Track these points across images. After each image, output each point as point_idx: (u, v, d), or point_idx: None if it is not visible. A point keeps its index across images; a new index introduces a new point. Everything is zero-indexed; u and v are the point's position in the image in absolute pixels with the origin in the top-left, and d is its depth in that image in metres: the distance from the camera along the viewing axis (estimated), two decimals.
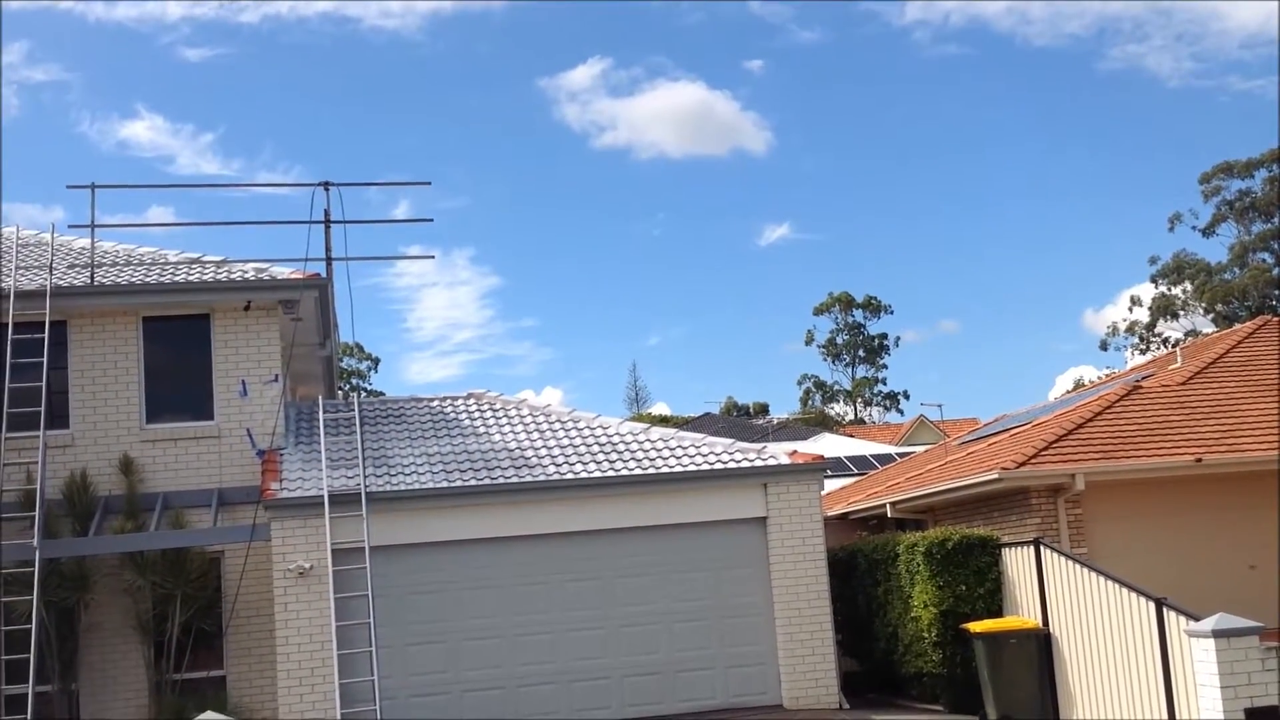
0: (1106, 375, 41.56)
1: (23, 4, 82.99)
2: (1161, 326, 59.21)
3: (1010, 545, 15.14)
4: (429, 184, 23.37)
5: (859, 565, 17.47)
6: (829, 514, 19.21)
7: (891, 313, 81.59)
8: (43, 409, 15.65)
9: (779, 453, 17.08)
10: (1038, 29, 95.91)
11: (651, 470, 16.36)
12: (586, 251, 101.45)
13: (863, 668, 18.08)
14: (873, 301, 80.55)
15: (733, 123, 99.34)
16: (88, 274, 16.86)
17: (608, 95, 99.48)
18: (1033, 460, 15.98)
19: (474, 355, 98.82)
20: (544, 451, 16.88)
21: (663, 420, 56.89)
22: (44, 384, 15.75)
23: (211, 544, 15.93)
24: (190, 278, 16.98)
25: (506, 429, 17.73)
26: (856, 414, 79.40)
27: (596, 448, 17.03)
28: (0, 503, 15.15)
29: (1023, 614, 14.65)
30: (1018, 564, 14.84)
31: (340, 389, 27.56)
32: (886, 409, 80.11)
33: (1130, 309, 61.11)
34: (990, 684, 14.21)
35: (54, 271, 16.66)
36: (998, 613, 14.97)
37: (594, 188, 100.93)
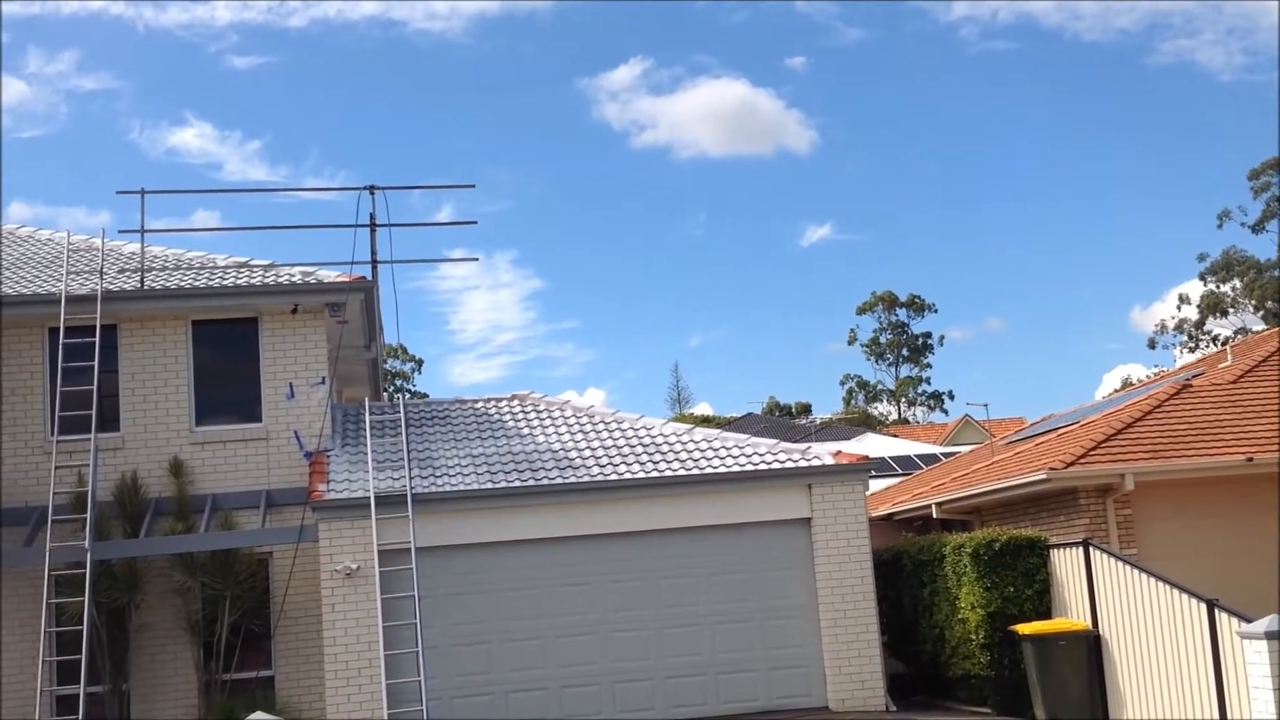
0: (1155, 374, 41.13)
1: (73, 13, 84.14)
2: (1211, 324, 58.61)
3: (1059, 546, 15.02)
4: (473, 186, 23.66)
5: (905, 566, 17.38)
6: (873, 514, 19.12)
7: (936, 312, 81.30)
8: (94, 412, 15.84)
9: (823, 453, 17.03)
10: (1087, 24, 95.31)
11: (695, 471, 16.35)
12: (627, 252, 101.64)
13: (909, 670, 17.98)
14: (916, 300, 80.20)
15: (776, 121, 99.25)
16: (138, 278, 17.06)
17: (649, 94, 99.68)
18: (1081, 460, 15.84)
19: (516, 357, 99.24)
20: (588, 453, 16.91)
21: (705, 421, 56.85)
22: (95, 387, 15.95)
23: (260, 545, 16.07)
24: (238, 282, 17.14)
25: (550, 430, 17.77)
26: (900, 414, 79.06)
27: (640, 449, 17.04)
28: (52, 505, 15.35)
29: (1071, 615, 14.53)
30: (1066, 565, 14.72)
31: (385, 391, 27.72)
32: (930, 409, 79.80)
33: (1179, 307, 60.56)
34: (1039, 686, 14.10)
35: (104, 276, 16.87)
36: (1046, 614, 14.86)
37: (635, 188, 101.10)
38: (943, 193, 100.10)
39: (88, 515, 15.20)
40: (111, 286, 16.69)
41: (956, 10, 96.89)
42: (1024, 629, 14.37)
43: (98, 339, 16.11)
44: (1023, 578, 15.03)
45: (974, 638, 15.28)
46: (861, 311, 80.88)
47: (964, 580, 15.43)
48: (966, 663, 15.70)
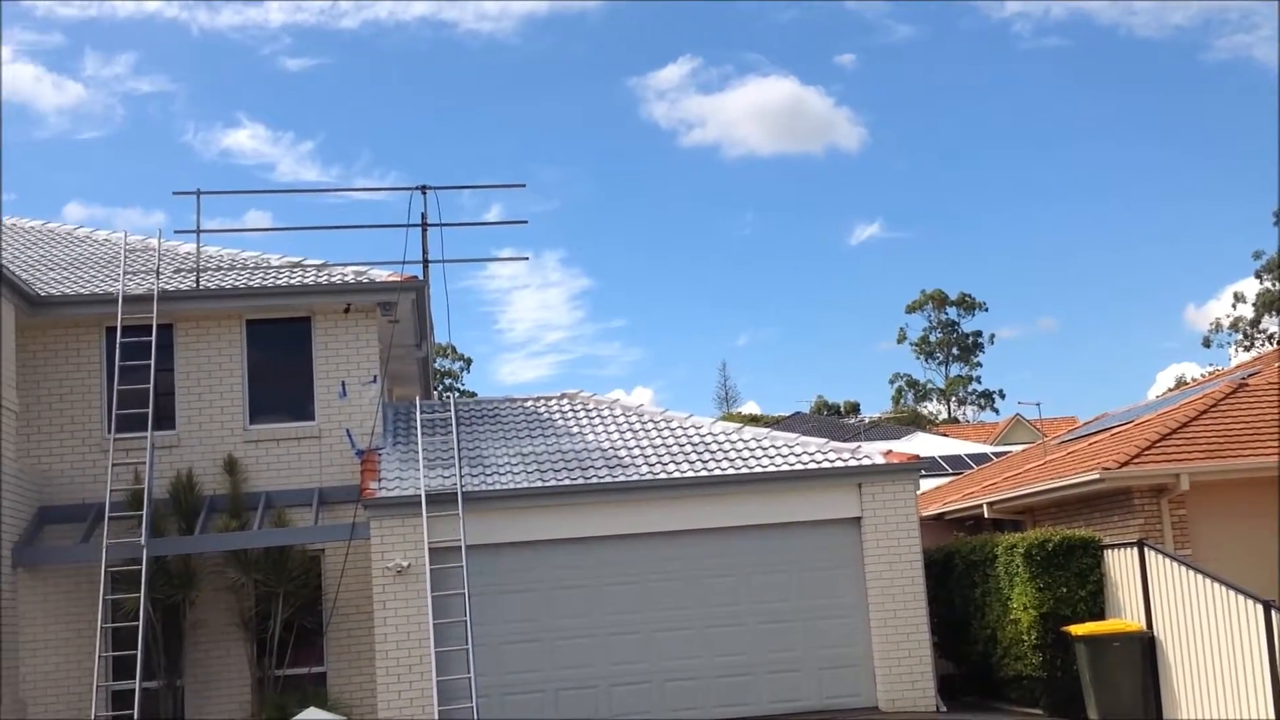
0: (1210, 373, 40.61)
1: (129, 15, 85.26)
2: (1266, 322, 57.73)
3: (1113, 547, 14.87)
4: (523, 186, 23.69)
5: (956, 566, 17.28)
6: (923, 514, 19.01)
7: (986, 310, 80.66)
8: (150, 410, 16.05)
9: (873, 452, 16.95)
10: (1142, 20, 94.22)
11: (745, 470, 16.33)
12: (675, 251, 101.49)
13: (960, 670, 17.87)
14: (967, 299, 79.61)
15: (825, 119, 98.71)
16: (193, 278, 17.26)
17: (697, 92, 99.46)
18: (1136, 460, 15.69)
19: (564, 356, 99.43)
20: (637, 451, 16.93)
21: (753, 420, 56.75)
22: (151, 386, 16.16)
23: (312, 542, 16.22)
24: (292, 281, 17.30)
25: (600, 429, 17.81)
26: (950, 413, 78.53)
27: (689, 447, 17.04)
28: (110, 502, 15.57)
29: (1125, 616, 14.39)
30: (1120, 566, 14.58)
31: (435, 390, 27.88)
32: (981, 408, 79.20)
33: (1234, 305, 59.69)
34: (1092, 687, 13.98)
35: (160, 276, 17.09)
36: (1099, 615, 14.72)
37: (683, 187, 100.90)
38: (993, 190, 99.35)
39: (144, 512, 15.41)
40: (167, 286, 16.90)
41: (1009, 7, 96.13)
42: (1077, 630, 14.26)
43: (154, 338, 16.32)
44: (1076, 578, 14.90)
45: (1026, 638, 15.17)
46: (911, 310, 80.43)
47: (1016, 581, 15.32)
48: (1018, 663, 15.59)
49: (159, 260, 17.58)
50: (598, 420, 18.17)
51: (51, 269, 18.01)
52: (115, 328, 16.36)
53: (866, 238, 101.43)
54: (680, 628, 15.93)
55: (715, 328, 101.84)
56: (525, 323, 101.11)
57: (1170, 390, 36.72)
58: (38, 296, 16.20)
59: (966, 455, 31.79)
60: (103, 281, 17.26)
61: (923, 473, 17.92)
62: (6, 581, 14.88)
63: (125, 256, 17.72)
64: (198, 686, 16.07)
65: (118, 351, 16.27)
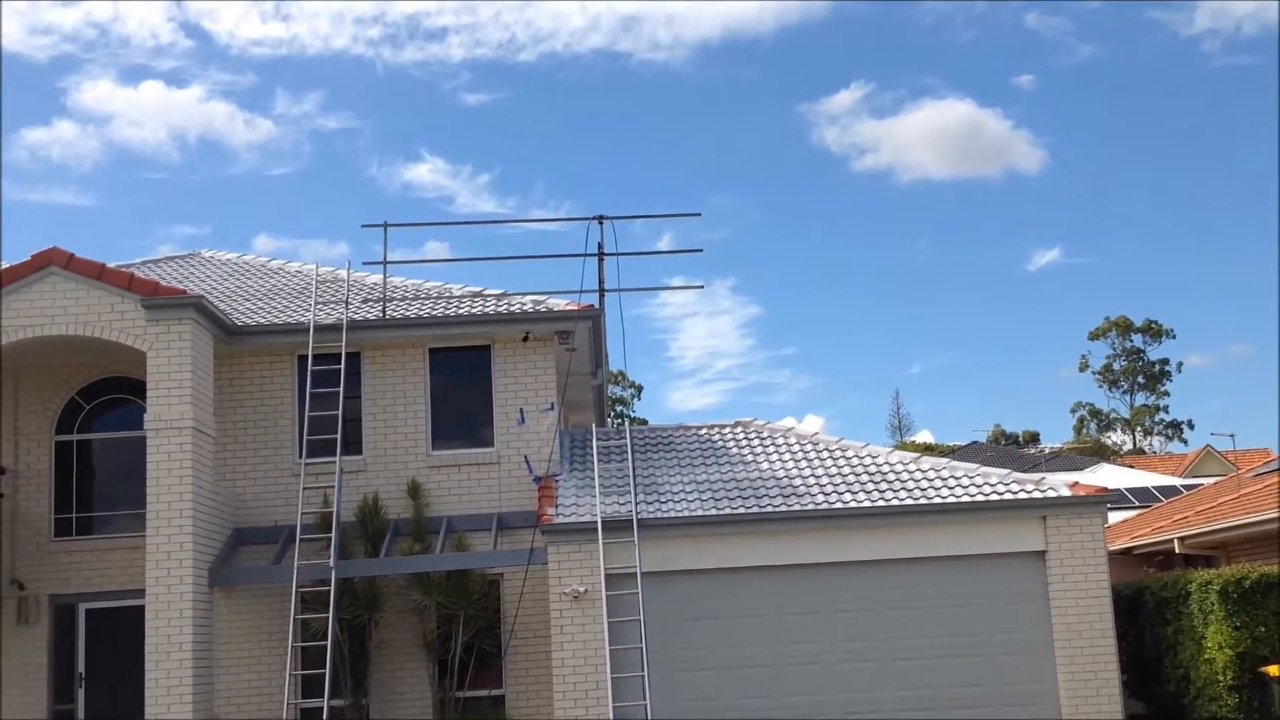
0: None
1: (317, 54, 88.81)
2: None
3: None
4: (699, 215, 23.49)
5: (1146, 603, 16.69)
6: (1110, 548, 18.41)
7: (1174, 337, 77.99)
8: (338, 436, 16.60)
9: (1058, 484, 16.46)
10: None
11: (923, 500, 16.05)
12: (847, 278, 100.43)
13: (1150, 711, 17.25)
14: (1153, 325, 77.02)
15: (1003, 141, 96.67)
16: (379, 308, 17.82)
17: (870, 117, 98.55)
18: None
19: (734, 383, 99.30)
20: (812, 480, 16.80)
21: (927, 449, 55.80)
22: (340, 412, 16.72)
23: (492, 567, 16.51)
24: (473, 311, 17.72)
25: (774, 457, 17.73)
26: (1135, 443, 75.90)
27: (865, 477, 16.83)
28: (300, 524, 16.14)
29: None
30: None
31: (609, 417, 28.16)
32: (1168, 438, 76.33)
33: None
34: None
35: (349, 306, 17.69)
36: None
37: (855, 212, 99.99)
38: (1181, 214, 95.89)
39: (333, 535, 15.92)
40: (355, 316, 17.48)
41: (1198, 23, 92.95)
42: (1276, 670, 13.62)
43: (343, 366, 16.88)
44: (1274, 617, 14.28)
45: (1221, 679, 14.56)
46: (1094, 337, 78.12)
47: (1211, 619, 14.73)
48: (1213, 704, 14.96)
49: (348, 291, 18.21)
50: (771, 449, 18.10)
51: (247, 299, 18.81)
52: (306, 356, 16.96)
53: (1046, 263, 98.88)
54: (862, 660, 15.68)
55: (888, 355, 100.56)
56: (696, 350, 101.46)
57: None
58: (234, 326, 16.93)
59: (1154, 488, 30.74)
60: (294, 311, 17.94)
61: (1109, 506, 17.34)
62: (204, 601, 15.51)
63: (316, 287, 18.39)
64: (382, 706, 16.48)
65: (309, 379, 16.87)
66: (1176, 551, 18.49)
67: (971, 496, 16.11)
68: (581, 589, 15.51)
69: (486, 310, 17.75)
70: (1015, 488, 16.29)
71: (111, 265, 15.97)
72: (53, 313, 15.54)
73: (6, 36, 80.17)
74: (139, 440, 15.67)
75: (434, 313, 17.68)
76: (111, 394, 17.49)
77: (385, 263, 18.54)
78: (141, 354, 15.53)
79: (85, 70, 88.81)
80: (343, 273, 19.46)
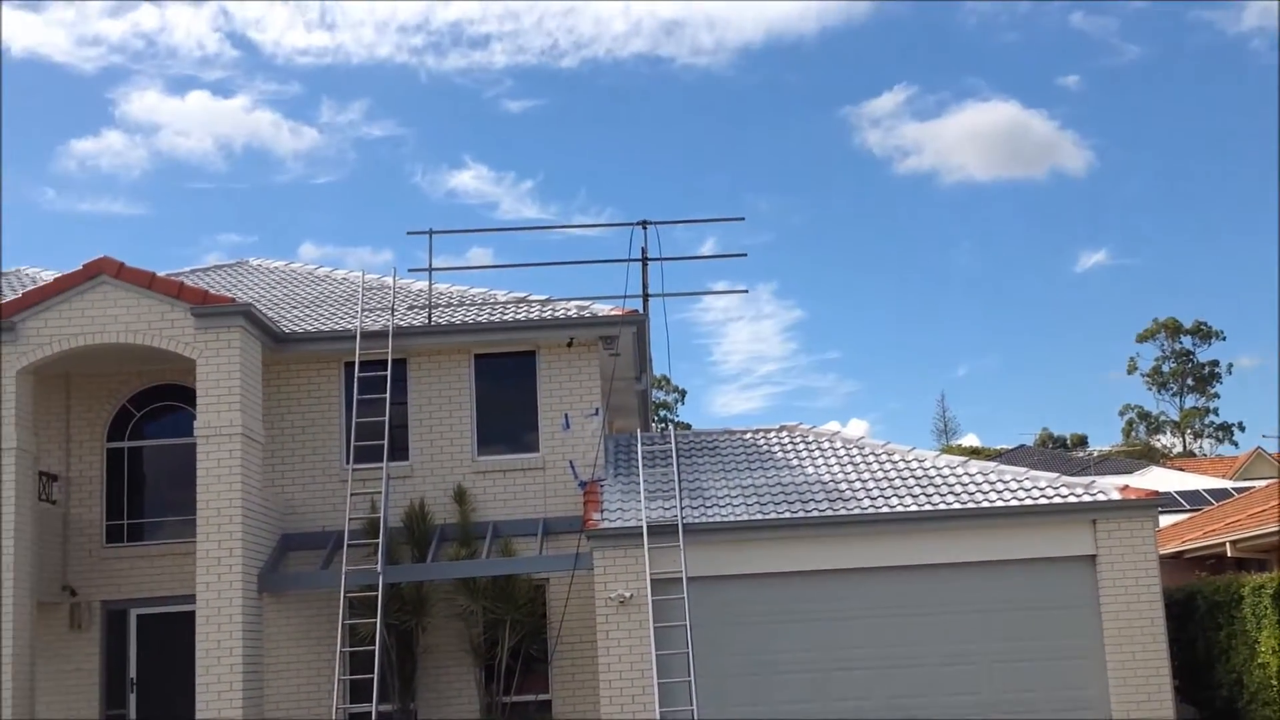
0: None
1: (361, 63, 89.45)
2: None
3: None
4: (742, 219, 23.62)
5: (1198, 607, 16.49)
6: (1161, 552, 18.21)
7: (1224, 339, 77.04)
8: (385, 442, 16.70)
9: (1108, 488, 16.29)
10: None
11: (971, 505, 15.93)
12: (890, 281, 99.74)
13: (1202, 715, 17.04)
14: (1202, 327, 76.12)
15: (1049, 143, 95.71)
16: (425, 315, 17.91)
17: (912, 119, 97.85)
18: None
19: (777, 388, 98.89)
20: (858, 485, 16.72)
21: (974, 453, 55.38)
22: (386, 418, 16.81)
23: (538, 572, 16.54)
24: (518, 317, 17.78)
25: (819, 462, 17.66)
26: (1185, 446, 75.04)
27: (912, 481, 16.73)
28: (348, 530, 16.24)
29: None
30: None
31: (653, 422, 28.17)
32: (1219, 441, 75.38)
33: None
34: None
35: (395, 313, 17.78)
36: None
37: (897, 215, 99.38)
38: (1229, 214, 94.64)
39: (380, 540, 16.01)
40: (401, 322, 17.58)
41: (1245, 22, 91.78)
42: None
43: (389, 372, 16.98)
44: None
45: (1275, 683, 14.39)
46: (1142, 339, 77.30)
47: (1264, 623, 14.54)
48: (1266, 710, 14.77)
49: (394, 298, 18.30)
50: (817, 453, 18.03)
51: (294, 307, 18.96)
52: (354, 363, 17.08)
53: (1092, 264, 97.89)
54: (911, 665, 15.58)
55: (933, 358, 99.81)
56: (739, 355, 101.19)
57: None
58: (282, 334, 17.06)
59: (1205, 491, 30.39)
60: (341, 319, 18.07)
61: (1160, 509, 17.16)
62: (254, 606, 15.62)
63: (363, 294, 18.51)
64: (429, 711, 16.55)
65: (356, 386, 16.98)
66: (1228, 555, 18.27)
67: (1020, 500, 15.99)
68: (627, 594, 15.51)
69: (531, 316, 17.80)
70: (1065, 491, 16.15)
71: (161, 274, 16.16)
72: (104, 321, 15.73)
73: (55, 48, 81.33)
74: (189, 447, 15.83)
75: (479, 319, 17.75)
76: (162, 401, 17.69)
77: (430, 269, 18.65)
78: (191, 362, 15.69)
79: (133, 81, 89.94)
80: (388, 280, 19.59)
